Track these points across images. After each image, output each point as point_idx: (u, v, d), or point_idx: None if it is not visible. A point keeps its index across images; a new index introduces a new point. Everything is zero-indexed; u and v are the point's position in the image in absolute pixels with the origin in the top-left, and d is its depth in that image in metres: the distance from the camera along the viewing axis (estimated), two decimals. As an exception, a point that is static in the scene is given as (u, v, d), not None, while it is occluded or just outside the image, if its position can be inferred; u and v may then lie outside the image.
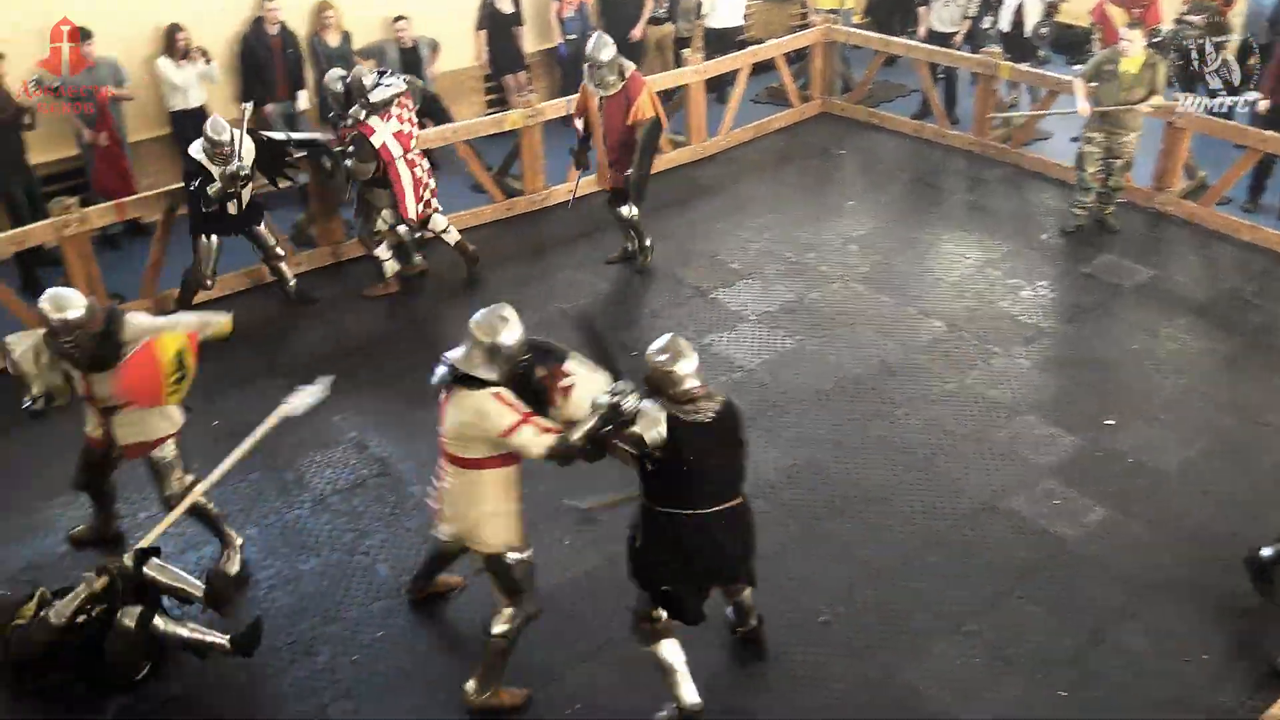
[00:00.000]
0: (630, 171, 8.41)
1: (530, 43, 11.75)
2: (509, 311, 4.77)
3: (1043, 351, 7.85)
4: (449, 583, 5.84)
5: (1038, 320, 8.21)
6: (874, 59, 11.79)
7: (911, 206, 10.04)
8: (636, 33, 11.74)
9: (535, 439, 4.63)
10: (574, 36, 11.46)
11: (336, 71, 8.42)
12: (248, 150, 7.87)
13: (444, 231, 8.77)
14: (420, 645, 5.61)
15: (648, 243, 8.93)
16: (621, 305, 8.55)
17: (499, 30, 11.28)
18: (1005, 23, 11.37)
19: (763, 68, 11.88)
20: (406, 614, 5.78)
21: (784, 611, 5.67)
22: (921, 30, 11.88)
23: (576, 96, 8.72)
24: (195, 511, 5.77)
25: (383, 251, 8.64)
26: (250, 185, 8.01)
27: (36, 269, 8.82)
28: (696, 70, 10.73)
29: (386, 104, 8.04)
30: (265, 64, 9.96)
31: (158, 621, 5.19)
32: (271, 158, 8.19)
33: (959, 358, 7.77)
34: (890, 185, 10.52)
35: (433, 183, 8.49)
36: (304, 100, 10.26)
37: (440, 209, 8.69)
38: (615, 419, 4.58)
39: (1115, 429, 7.01)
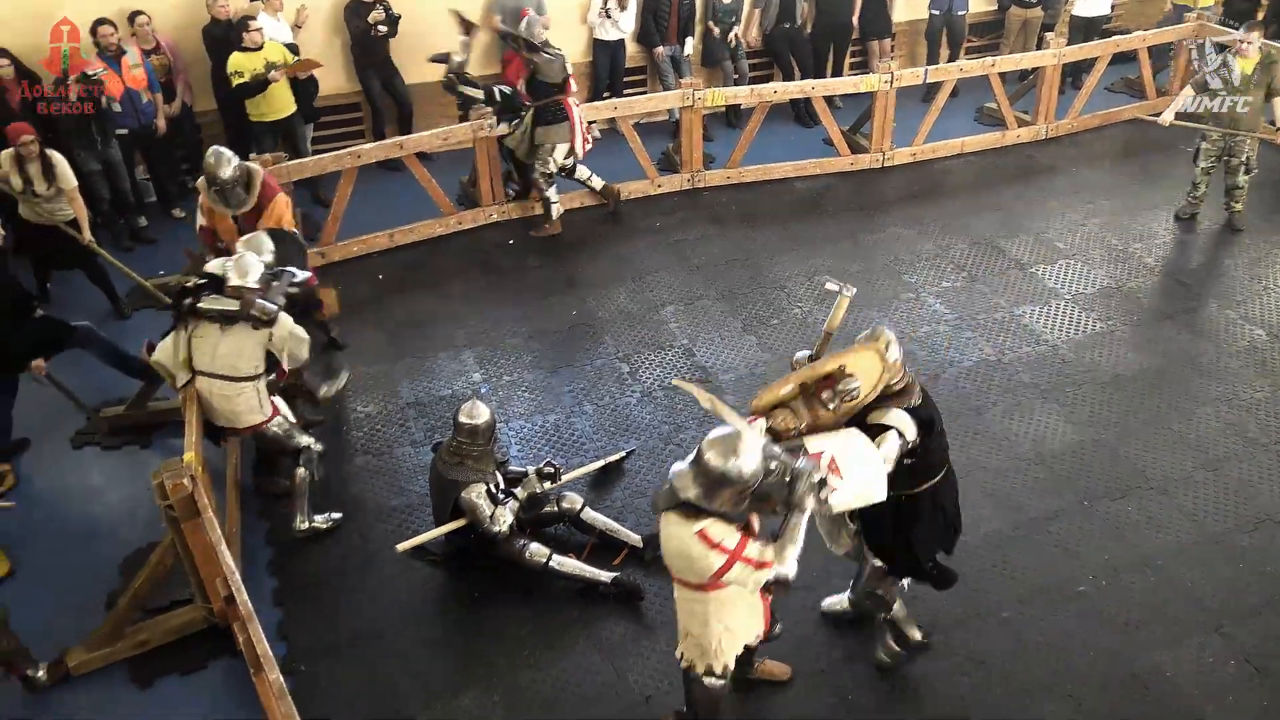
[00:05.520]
0: None
1: (899, 12, 11.25)
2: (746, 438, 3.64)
3: (1369, 379, 6.79)
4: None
5: (1371, 347, 7.09)
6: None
7: (1256, 213, 8.84)
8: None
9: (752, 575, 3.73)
10: (938, 13, 11.03)
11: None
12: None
13: (589, 179, 8.70)
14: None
15: None
16: (938, 267, 8.12)
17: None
18: None
19: (1123, 58, 10.80)
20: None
21: (1041, 573, 5.34)
22: None
23: None
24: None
25: (552, 194, 8.38)
26: None
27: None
28: (1055, 54, 9.90)
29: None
30: (661, 12, 10.08)
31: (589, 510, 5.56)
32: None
33: (1275, 369, 6.85)
34: (1235, 188, 9.32)
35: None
36: (689, 46, 10.35)
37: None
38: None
39: None
